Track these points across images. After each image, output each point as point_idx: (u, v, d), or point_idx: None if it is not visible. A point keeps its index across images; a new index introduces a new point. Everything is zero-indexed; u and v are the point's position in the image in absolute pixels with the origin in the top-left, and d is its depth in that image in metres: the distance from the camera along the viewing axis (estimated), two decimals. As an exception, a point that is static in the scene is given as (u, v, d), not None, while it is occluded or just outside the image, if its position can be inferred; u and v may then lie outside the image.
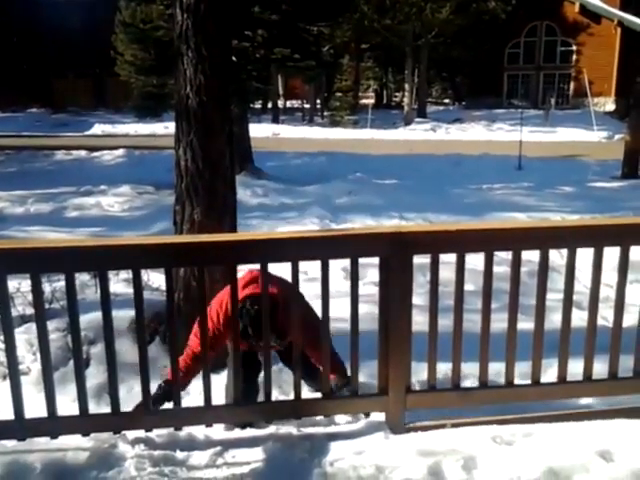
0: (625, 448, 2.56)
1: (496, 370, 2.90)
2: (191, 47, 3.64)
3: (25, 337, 3.81)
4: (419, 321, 2.90)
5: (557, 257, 3.92)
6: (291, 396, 2.94)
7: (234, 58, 9.65)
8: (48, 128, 26.28)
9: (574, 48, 30.81)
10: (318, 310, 2.81)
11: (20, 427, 2.66)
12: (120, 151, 15.62)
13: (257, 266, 2.75)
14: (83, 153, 15.99)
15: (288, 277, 2.79)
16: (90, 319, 3.76)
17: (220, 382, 3.35)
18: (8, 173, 13.28)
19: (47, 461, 2.54)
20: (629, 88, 22.87)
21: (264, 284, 2.71)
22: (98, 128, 26.45)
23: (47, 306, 3.54)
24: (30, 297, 2.94)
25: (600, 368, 2.93)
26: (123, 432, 2.75)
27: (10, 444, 2.69)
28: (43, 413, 2.67)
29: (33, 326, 3.44)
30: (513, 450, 2.59)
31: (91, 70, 35.33)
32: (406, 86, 30.68)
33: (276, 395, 3.29)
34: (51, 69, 34.57)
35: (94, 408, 2.96)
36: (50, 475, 2.47)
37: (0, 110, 32.05)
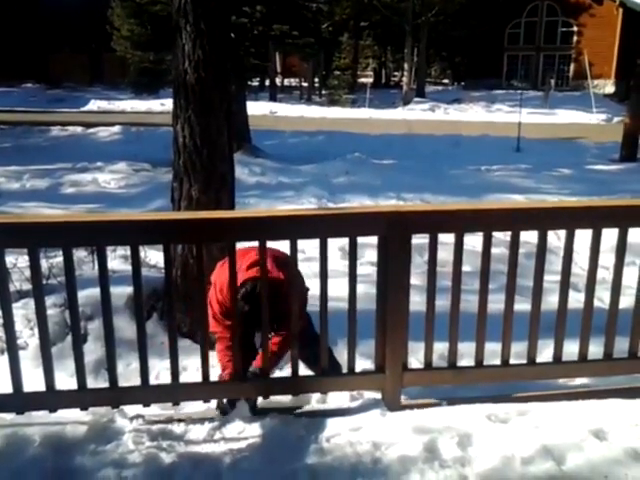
0: (618, 427, 2.60)
1: (492, 350, 2.92)
2: (190, 21, 3.59)
3: (22, 312, 3.81)
4: (416, 301, 2.91)
5: (554, 239, 3.93)
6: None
7: (232, 34, 9.52)
8: (43, 104, 25.95)
9: (575, 29, 30.52)
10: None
11: (19, 400, 2.67)
12: (116, 128, 15.46)
13: (256, 243, 2.74)
14: (79, 129, 15.81)
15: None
16: (87, 295, 3.75)
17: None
18: (3, 149, 13.16)
19: (46, 434, 2.56)
20: (629, 70, 22.75)
21: (262, 263, 2.70)
22: (94, 104, 26.13)
23: (44, 282, 3.54)
24: (27, 273, 2.94)
25: (595, 349, 2.95)
26: (121, 407, 2.77)
27: (9, 417, 2.71)
28: (41, 387, 2.68)
29: (30, 301, 3.45)
30: (508, 428, 2.62)
31: (87, 45, 34.82)
32: (405, 65, 30.40)
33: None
34: (46, 43, 34.05)
35: (92, 383, 2.97)
36: (49, 448, 2.49)
37: (-5, 85, 31.69)
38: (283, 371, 3.36)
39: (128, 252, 2.72)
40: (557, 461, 2.39)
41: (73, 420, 2.68)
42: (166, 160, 6.74)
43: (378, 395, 2.91)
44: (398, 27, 30.56)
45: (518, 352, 2.98)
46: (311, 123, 18.53)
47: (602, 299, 3.33)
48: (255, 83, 26.64)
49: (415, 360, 3.15)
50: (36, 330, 2.80)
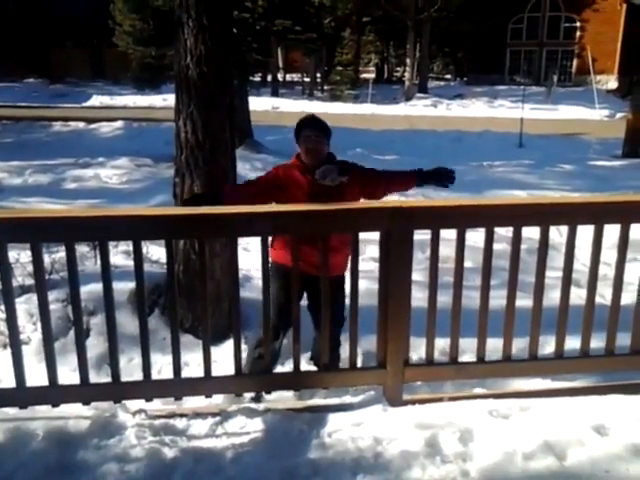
0: (620, 423, 2.60)
1: (494, 345, 2.92)
2: (192, 16, 3.58)
3: (25, 307, 3.82)
4: (418, 297, 2.91)
5: (556, 235, 3.93)
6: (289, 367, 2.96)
7: (234, 29, 9.51)
8: (46, 99, 25.92)
9: (578, 24, 30.44)
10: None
11: (22, 395, 2.68)
12: (118, 123, 15.46)
13: (257, 239, 2.74)
14: (81, 125, 15.82)
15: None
16: (90, 290, 3.77)
17: (219, 354, 3.38)
18: (5, 144, 13.16)
19: (49, 428, 2.57)
20: (632, 66, 22.67)
21: (263, 261, 2.71)
22: (96, 99, 26.11)
23: (47, 277, 3.54)
24: (29, 268, 2.95)
25: (597, 345, 2.95)
26: (123, 401, 2.78)
27: (12, 411, 2.72)
28: (44, 382, 2.69)
29: (33, 296, 3.46)
30: (509, 424, 2.63)
31: (89, 40, 34.75)
32: (407, 61, 30.36)
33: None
34: (49, 38, 33.98)
35: (94, 378, 2.97)
36: (52, 442, 2.50)
37: (-3, 80, 31.65)
38: (285, 366, 3.38)
39: (130, 247, 2.72)
40: (558, 457, 2.40)
41: (76, 415, 2.69)
42: (168, 155, 6.74)
43: (380, 390, 2.91)
44: (400, 22, 30.50)
45: (520, 348, 2.98)
46: (313, 119, 18.47)
47: (604, 295, 3.32)
48: (257, 78, 26.56)
49: (417, 356, 3.15)
50: (39, 325, 2.81)
